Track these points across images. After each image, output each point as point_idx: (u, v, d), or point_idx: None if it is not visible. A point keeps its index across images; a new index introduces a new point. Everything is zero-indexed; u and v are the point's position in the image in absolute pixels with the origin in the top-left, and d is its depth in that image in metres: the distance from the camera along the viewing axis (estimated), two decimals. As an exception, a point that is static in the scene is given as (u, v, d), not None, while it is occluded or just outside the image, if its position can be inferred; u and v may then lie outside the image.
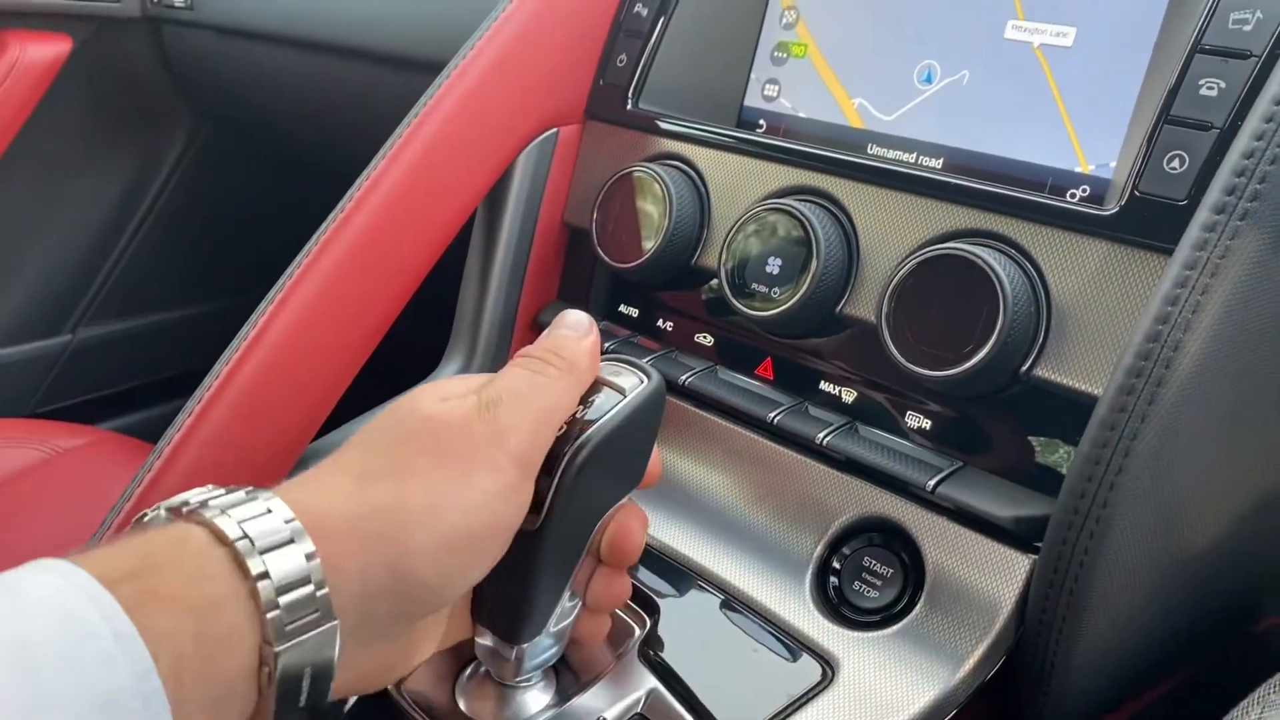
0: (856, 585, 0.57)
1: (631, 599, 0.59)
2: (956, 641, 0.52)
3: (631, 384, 0.50)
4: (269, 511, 0.39)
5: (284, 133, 1.23)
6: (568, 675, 0.56)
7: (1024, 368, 0.54)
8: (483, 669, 0.54)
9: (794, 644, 0.55)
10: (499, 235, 0.73)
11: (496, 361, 0.75)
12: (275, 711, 0.38)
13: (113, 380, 1.34)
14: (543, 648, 0.53)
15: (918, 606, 0.54)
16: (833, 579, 0.57)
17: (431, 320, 0.81)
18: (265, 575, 0.37)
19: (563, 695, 0.55)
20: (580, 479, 0.48)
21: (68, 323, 1.28)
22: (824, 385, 0.62)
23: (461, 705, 0.54)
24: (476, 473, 0.43)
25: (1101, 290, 0.53)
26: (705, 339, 0.68)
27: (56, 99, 1.17)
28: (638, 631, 0.57)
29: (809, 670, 0.54)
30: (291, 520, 0.39)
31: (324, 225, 0.67)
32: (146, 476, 0.63)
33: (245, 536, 0.37)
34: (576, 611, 0.53)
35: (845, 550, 0.58)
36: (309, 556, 0.38)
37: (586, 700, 0.54)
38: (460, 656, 0.54)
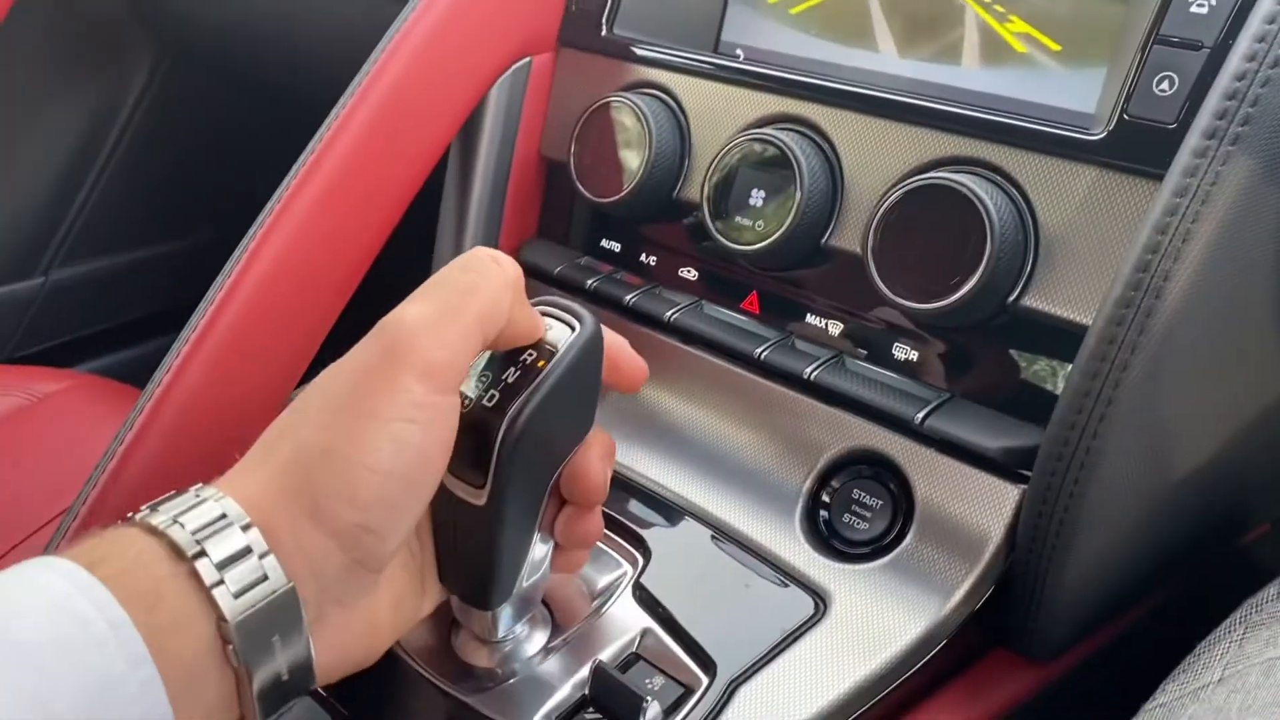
0: (846, 518, 0.57)
1: (622, 538, 0.59)
2: (946, 573, 0.53)
3: (564, 337, 0.48)
4: (199, 501, 0.39)
5: (254, 60, 1.19)
6: (561, 617, 0.56)
7: (1012, 298, 0.54)
8: None
9: (786, 578, 0.56)
10: (474, 170, 0.71)
11: (478, 299, 0.74)
12: (254, 691, 0.38)
13: (89, 321, 1.31)
14: (517, 606, 0.53)
15: (907, 538, 0.55)
16: (823, 512, 0.58)
17: (416, 254, 0.80)
18: (202, 554, 0.37)
19: (556, 638, 0.55)
20: (517, 453, 0.46)
21: (39, 265, 1.26)
22: (810, 318, 0.61)
23: (456, 650, 0.54)
24: (373, 402, 0.40)
25: (1090, 217, 0.52)
26: (689, 273, 0.67)
27: (10, 32, 1.13)
28: (630, 571, 0.58)
29: (802, 604, 0.54)
30: (222, 498, 0.39)
31: (300, 159, 0.65)
32: (137, 420, 0.62)
33: (177, 522, 0.38)
34: (548, 560, 0.53)
35: (834, 483, 0.58)
36: (244, 528, 0.38)
37: (580, 643, 0.54)
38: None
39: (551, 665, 0.53)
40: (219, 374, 0.63)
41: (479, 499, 0.47)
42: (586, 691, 0.52)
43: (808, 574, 0.55)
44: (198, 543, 0.37)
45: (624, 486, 0.62)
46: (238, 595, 0.37)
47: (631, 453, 0.64)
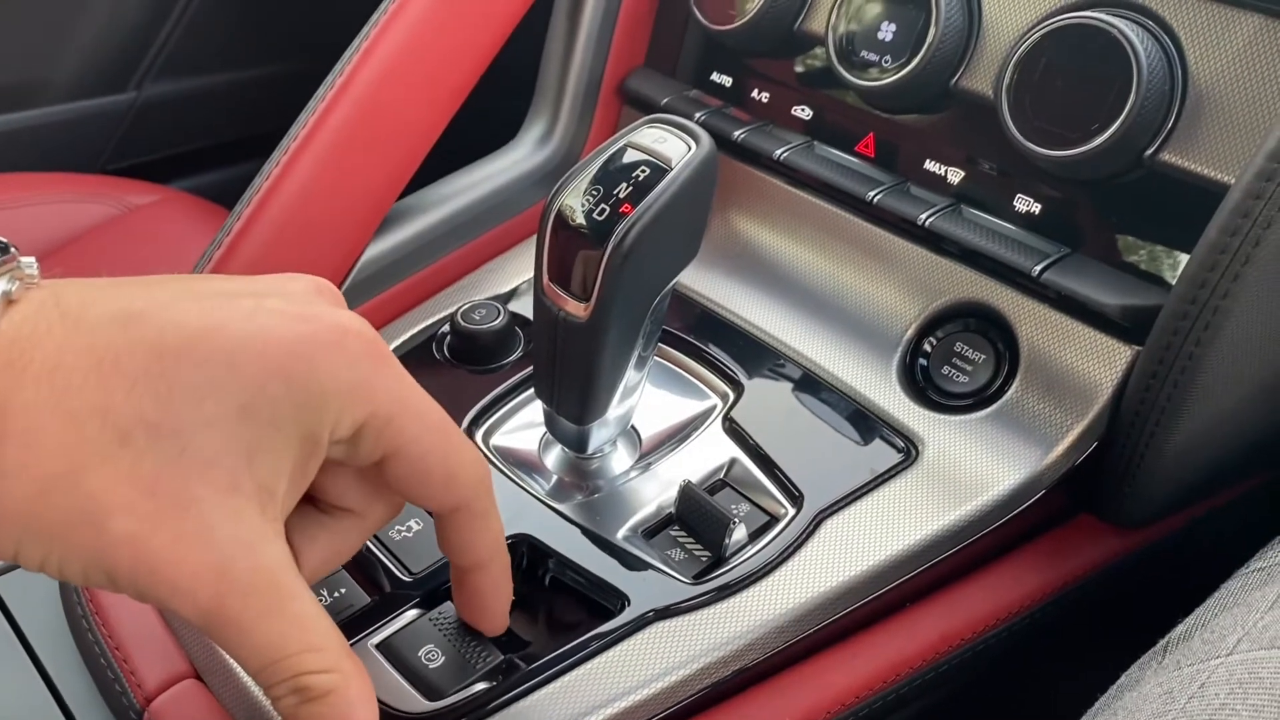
0: (946, 370, 0.56)
1: (714, 374, 0.59)
2: (1048, 426, 0.52)
3: (678, 153, 0.47)
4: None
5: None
6: (649, 442, 0.56)
7: (1150, 151, 0.51)
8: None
9: (877, 423, 0.55)
10: (588, -9, 0.69)
11: (580, 127, 0.73)
12: None
13: (180, 140, 1.32)
14: (609, 425, 0.53)
15: (1009, 391, 0.54)
16: (921, 361, 0.57)
17: (512, 87, 0.78)
18: None
19: (644, 461, 0.55)
20: (625, 269, 0.45)
21: (133, 79, 1.26)
22: (929, 165, 0.59)
23: (546, 463, 0.55)
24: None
25: (1246, 70, 0.49)
26: (803, 112, 0.65)
27: None
28: (720, 405, 0.58)
29: (893, 448, 0.54)
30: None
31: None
32: (225, 239, 0.62)
33: None
34: (641, 386, 0.53)
35: (937, 335, 0.57)
36: None
37: (668, 465, 0.55)
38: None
39: (638, 484, 0.54)
40: (311, 193, 0.63)
41: (582, 314, 0.47)
42: (673, 510, 0.52)
43: (900, 420, 0.55)
44: None
45: (719, 324, 0.62)
46: None
47: (729, 291, 0.63)
